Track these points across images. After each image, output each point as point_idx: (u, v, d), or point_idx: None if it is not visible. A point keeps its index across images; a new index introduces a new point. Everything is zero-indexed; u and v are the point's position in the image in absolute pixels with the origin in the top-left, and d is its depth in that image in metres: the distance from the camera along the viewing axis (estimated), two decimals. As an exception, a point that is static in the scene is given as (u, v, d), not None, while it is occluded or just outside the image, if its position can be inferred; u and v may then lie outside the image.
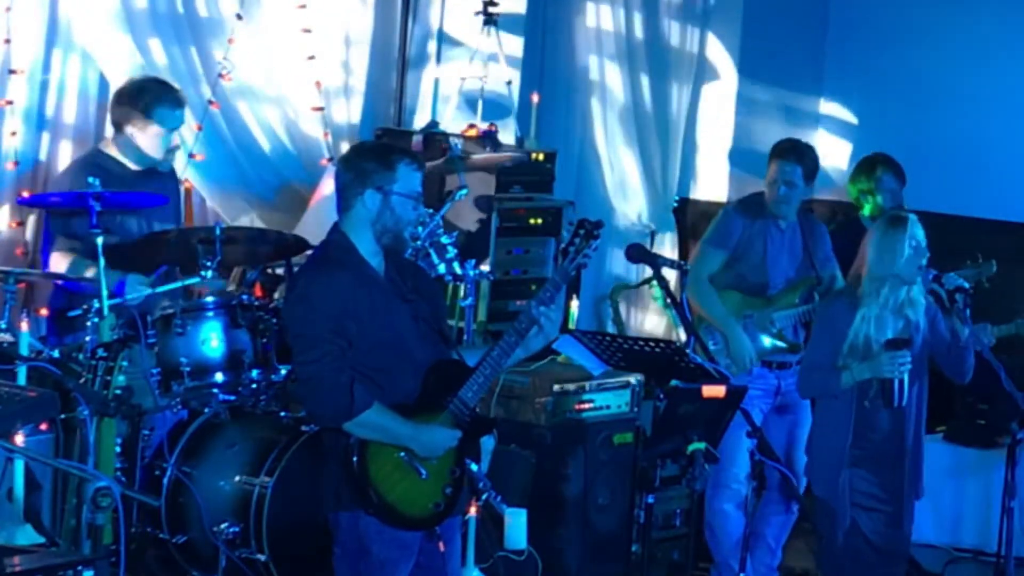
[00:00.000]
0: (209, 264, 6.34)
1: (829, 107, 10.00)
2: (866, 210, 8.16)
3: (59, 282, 6.54)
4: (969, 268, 7.49)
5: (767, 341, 7.30)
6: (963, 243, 7.79)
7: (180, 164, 7.42)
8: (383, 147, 5.52)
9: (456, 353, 5.39)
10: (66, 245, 6.49)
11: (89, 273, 6.24)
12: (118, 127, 6.65)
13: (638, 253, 6.73)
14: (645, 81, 9.22)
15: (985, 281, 7.46)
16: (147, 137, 6.61)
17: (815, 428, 6.79)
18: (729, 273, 7.35)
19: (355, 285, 5.18)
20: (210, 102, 7.49)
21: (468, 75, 8.40)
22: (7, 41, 6.91)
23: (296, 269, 6.48)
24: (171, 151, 6.76)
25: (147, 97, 6.63)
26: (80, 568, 4.75)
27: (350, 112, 8.14)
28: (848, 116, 9.96)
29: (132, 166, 6.66)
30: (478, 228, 7.91)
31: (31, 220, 7.07)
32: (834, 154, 9.88)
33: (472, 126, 8.18)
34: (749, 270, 7.33)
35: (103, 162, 6.59)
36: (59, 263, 6.48)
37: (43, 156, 7.12)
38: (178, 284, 6.59)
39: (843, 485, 6.49)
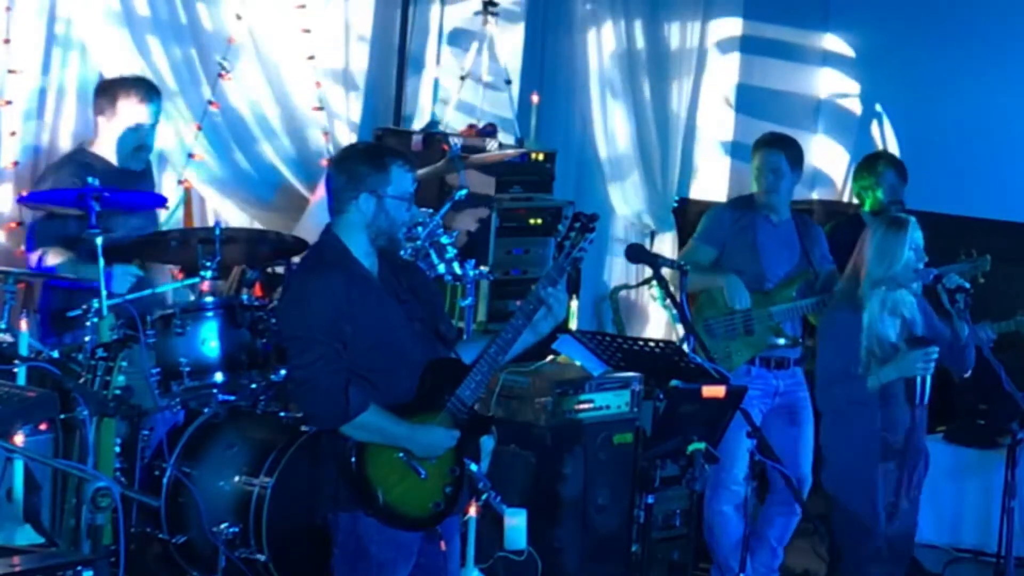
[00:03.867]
0: (209, 264, 6.34)
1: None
2: (866, 205, 8.18)
3: (51, 283, 6.55)
4: (964, 263, 7.50)
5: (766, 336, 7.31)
6: (963, 243, 7.78)
7: (180, 164, 7.43)
8: (375, 149, 5.50)
9: (454, 353, 5.38)
10: (59, 246, 6.50)
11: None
12: (94, 122, 6.68)
13: (638, 253, 6.73)
14: (645, 80, 9.22)
15: (980, 276, 7.46)
16: (112, 128, 6.63)
17: (833, 438, 6.73)
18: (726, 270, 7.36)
19: (349, 286, 5.17)
20: (210, 102, 7.48)
21: (468, 75, 8.41)
22: (7, 41, 6.91)
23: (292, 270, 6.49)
24: (140, 149, 6.74)
25: (116, 88, 6.68)
26: (80, 568, 4.73)
27: (350, 112, 8.13)
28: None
29: (115, 163, 6.68)
30: (478, 228, 7.90)
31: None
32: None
33: (472, 126, 8.18)
34: (744, 263, 7.34)
35: (86, 159, 6.61)
36: (51, 260, 6.50)
37: (43, 156, 7.11)
38: (178, 284, 6.60)
39: (873, 490, 6.48)
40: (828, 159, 9.97)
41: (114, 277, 6.41)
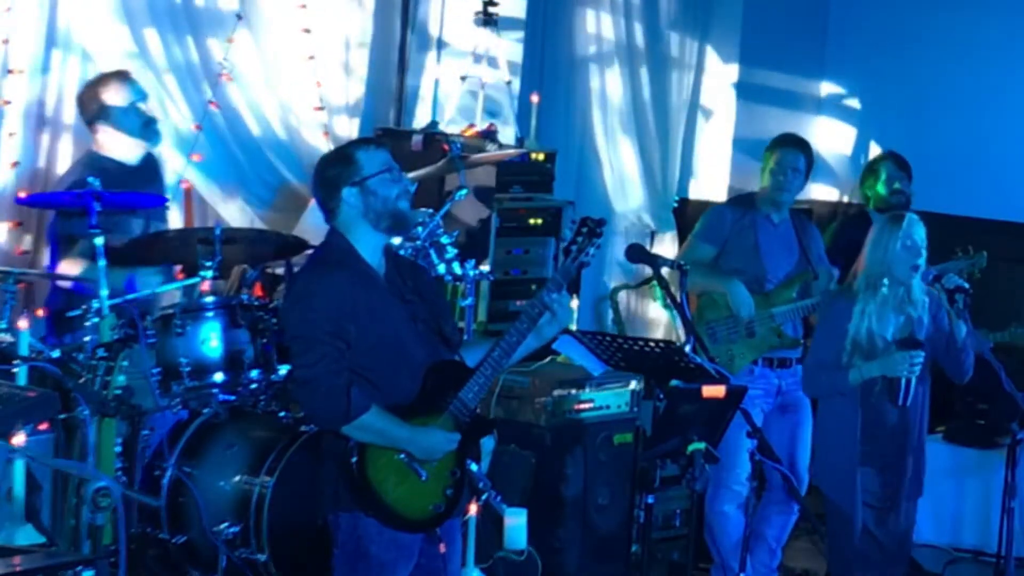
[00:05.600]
0: (209, 264, 6.34)
1: (830, 92, 10.02)
2: (871, 203, 8.25)
3: (58, 283, 6.55)
4: (960, 259, 7.50)
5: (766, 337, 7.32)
6: (963, 243, 7.79)
7: (180, 164, 7.43)
8: (336, 150, 5.54)
9: (457, 356, 5.38)
10: (76, 251, 6.50)
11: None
12: (91, 127, 6.71)
13: (638, 253, 6.73)
14: (645, 80, 9.22)
15: (977, 272, 7.46)
16: (117, 125, 6.64)
17: (821, 429, 6.78)
18: (726, 269, 7.36)
19: (354, 285, 5.18)
20: (210, 102, 7.48)
21: (468, 75, 8.41)
22: (6, 41, 6.91)
23: (296, 270, 6.48)
24: (149, 124, 6.76)
25: (96, 88, 6.68)
26: (80, 568, 4.74)
27: (350, 112, 8.13)
28: (851, 102, 9.95)
29: (128, 161, 6.69)
30: (478, 228, 7.91)
31: (31, 220, 7.07)
32: (836, 143, 9.92)
33: (472, 126, 8.19)
34: (745, 263, 7.35)
35: (100, 162, 6.61)
36: (70, 269, 6.49)
37: (42, 156, 7.11)
38: (178, 284, 6.60)
39: (856, 486, 6.49)
40: (830, 146, 9.99)
41: (137, 281, 6.42)
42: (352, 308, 5.15)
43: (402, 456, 5.20)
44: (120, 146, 6.71)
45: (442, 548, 5.33)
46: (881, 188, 8.24)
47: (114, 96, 6.68)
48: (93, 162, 6.62)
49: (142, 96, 6.78)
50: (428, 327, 5.32)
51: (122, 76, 6.77)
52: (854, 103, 9.97)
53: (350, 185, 5.23)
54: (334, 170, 5.28)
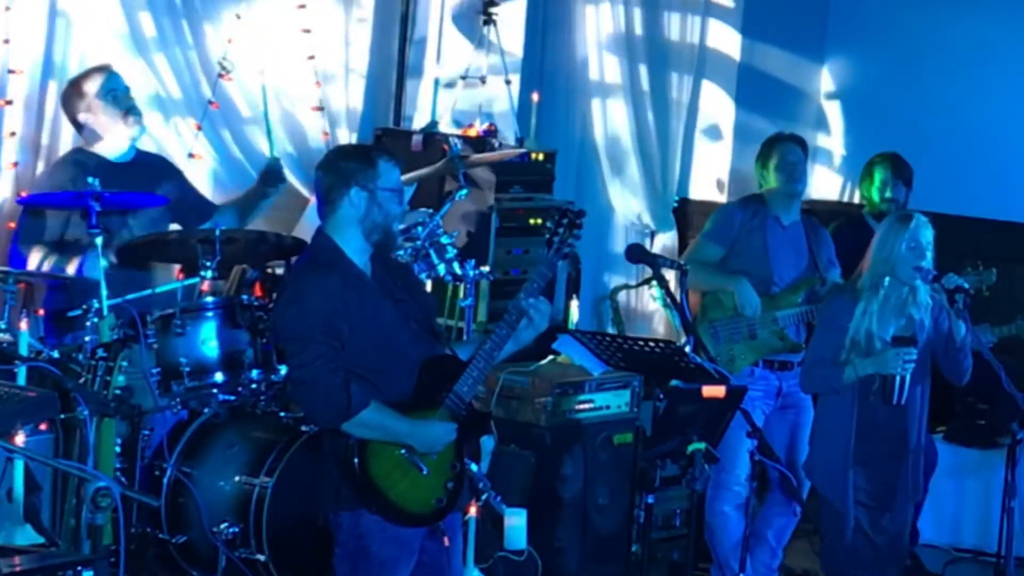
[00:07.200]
0: (209, 264, 6.34)
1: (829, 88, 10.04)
2: (867, 206, 8.24)
3: (53, 283, 6.56)
4: (970, 275, 7.50)
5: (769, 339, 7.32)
6: (963, 243, 7.79)
7: (180, 164, 7.43)
8: (361, 147, 5.59)
9: (449, 349, 5.40)
10: (42, 246, 6.52)
11: (70, 268, 6.33)
12: (77, 126, 6.72)
13: (638, 253, 6.73)
14: (645, 81, 9.21)
15: (985, 289, 7.46)
16: (98, 114, 6.66)
17: (818, 427, 6.78)
18: (733, 270, 7.35)
19: (345, 286, 5.20)
20: (210, 102, 7.48)
21: (467, 75, 8.40)
22: (7, 41, 6.91)
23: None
24: (130, 112, 6.75)
25: (78, 81, 6.71)
26: (80, 568, 4.75)
27: (350, 113, 8.13)
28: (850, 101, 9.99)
29: (114, 158, 6.69)
30: (478, 228, 7.91)
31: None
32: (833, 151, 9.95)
33: (472, 126, 8.18)
34: (752, 264, 7.33)
35: (84, 159, 6.62)
36: (35, 261, 6.51)
37: (42, 157, 7.11)
38: (178, 284, 6.60)
39: (848, 484, 6.49)
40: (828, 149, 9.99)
41: (87, 264, 6.43)
42: (344, 308, 5.17)
43: (403, 451, 5.22)
44: (106, 141, 6.69)
45: (446, 541, 5.34)
46: (875, 194, 8.23)
47: (94, 86, 6.68)
48: (77, 160, 6.63)
49: (124, 87, 6.77)
50: (421, 325, 5.34)
51: (104, 69, 6.77)
52: (853, 102, 9.98)
53: (361, 187, 5.25)
54: (352, 164, 5.29)
